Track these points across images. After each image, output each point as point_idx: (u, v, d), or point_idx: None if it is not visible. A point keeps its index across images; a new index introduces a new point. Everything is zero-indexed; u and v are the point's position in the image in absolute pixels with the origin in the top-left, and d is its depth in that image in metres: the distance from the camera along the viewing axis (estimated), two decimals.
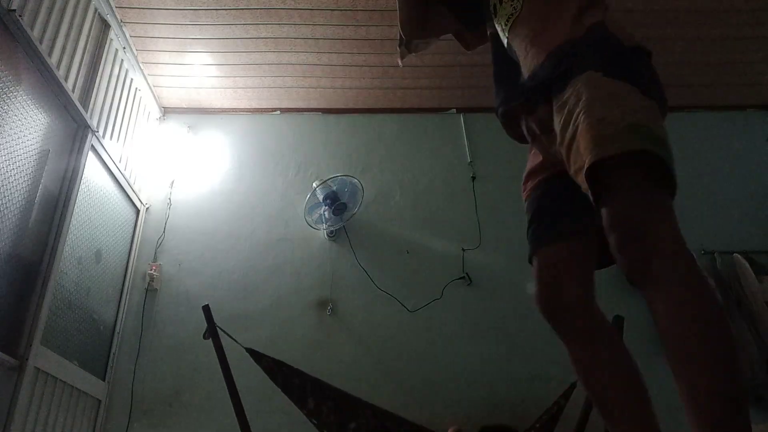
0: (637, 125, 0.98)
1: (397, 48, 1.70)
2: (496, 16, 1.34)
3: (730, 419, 0.83)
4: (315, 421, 1.89)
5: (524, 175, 1.38)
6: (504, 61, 1.34)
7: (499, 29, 1.34)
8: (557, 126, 1.09)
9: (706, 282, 0.91)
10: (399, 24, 1.63)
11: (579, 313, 1.16)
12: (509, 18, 1.27)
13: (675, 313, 0.90)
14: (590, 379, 1.13)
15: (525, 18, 1.23)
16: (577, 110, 1.03)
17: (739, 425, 0.82)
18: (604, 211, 0.99)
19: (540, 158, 1.32)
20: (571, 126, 1.04)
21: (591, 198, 1.00)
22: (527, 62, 1.21)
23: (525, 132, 1.30)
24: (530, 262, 1.27)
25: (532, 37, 1.21)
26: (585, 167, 0.98)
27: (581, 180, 1.01)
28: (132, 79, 3.34)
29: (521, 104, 1.25)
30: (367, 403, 1.98)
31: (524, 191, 1.39)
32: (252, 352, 2.03)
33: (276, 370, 1.95)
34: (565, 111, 1.07)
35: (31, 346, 2.22)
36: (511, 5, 1.27)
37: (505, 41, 1.32)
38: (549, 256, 1.21)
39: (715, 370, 0.87)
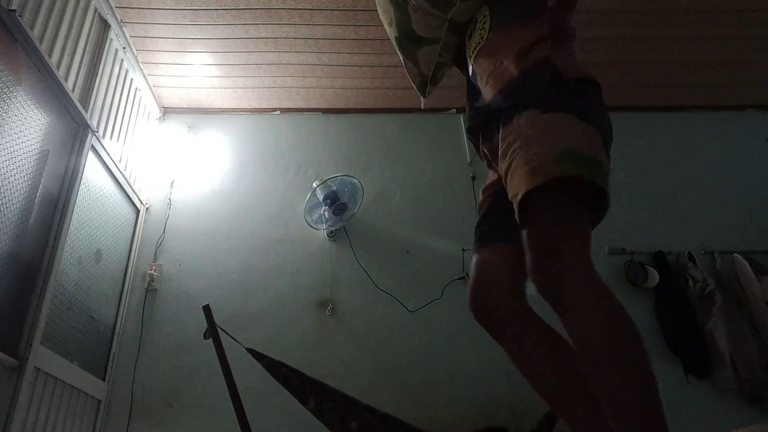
0: (563, 151, 1.06)
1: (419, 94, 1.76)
2: (469, 41, 1.43)
3: (648, 428, 0.87)
4: (318, 417, 1.89)
5: (482, 188, 1.48)
6: (472, 83, 1.44)
7: (467, 56, 1.43)
8: (500, 155, 1.18)
9: (615, 300, 0.99)
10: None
11: (503, 309, 1.21)
12: (475, 47, 1.37)
13: (589, 332, 0.96)
14: (525, 372, 1.19)
15: (486, 49, 1.33)
16: (515, 146, 1.13)
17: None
18: (524, 233, 1.09)
19: (496, 176, 1.40)
20: (508, 158, 1.14)
21: (518, 223, 1.10)
22: (485, 92, 1.32)
23: (481, 155, 1.41)
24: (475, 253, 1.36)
25: (490, 69, 1.30)
26: (517, 199, 1.07)
27: (515, 207, 1.10)
28: (132, 79, 3.34)
29: (480, 131, 1.35)
30: (366, 405, 1.98)
31: (481, 201, 1.47)
32: (253, 352, 2.03)
33: (276, 370, 1.95)
34: (506, 143, 1.16)
35: (31, 346, 2.21)
36: (479, 35, 1.36)
37: (470, 69, 1.41)
38: (484, 255, 1.29)
39: (631, 384, 0.91)
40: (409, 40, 1.53)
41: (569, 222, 1.07)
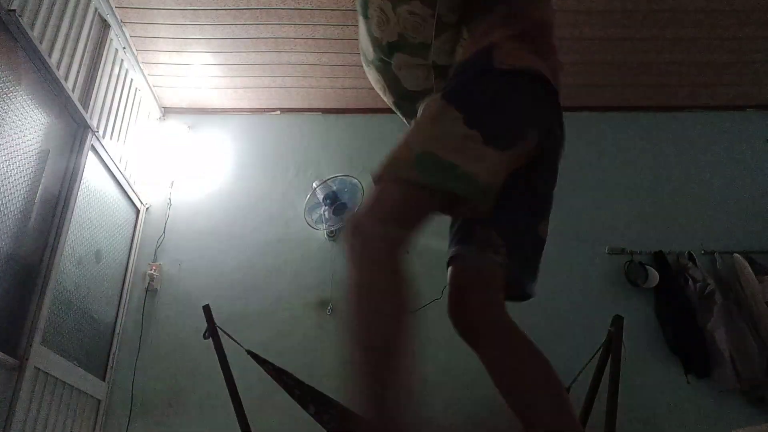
0: (425, 154, 1.03)
1: None
2: None
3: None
4: (316, 420, 1.88)
5: None
6: None
7: None
8: None
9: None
10: None
11: (482, 319, 1.20)
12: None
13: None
14: (496, 382, 1.17)
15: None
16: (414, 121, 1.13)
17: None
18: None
19: None
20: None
21: None
22: None
23: None
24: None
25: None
26: (372, 176, 1.06)
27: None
28: (132, 79, 3.34)
29: None
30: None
31: None
32: (253, 356, 2.02)
33: (277, 377, 1.94)
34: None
35: (31, 346, 2.22)
36: (461, 52, 1.33)
37: None
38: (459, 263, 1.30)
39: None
40: (405, 100, 1.50)
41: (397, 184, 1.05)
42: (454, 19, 1.29)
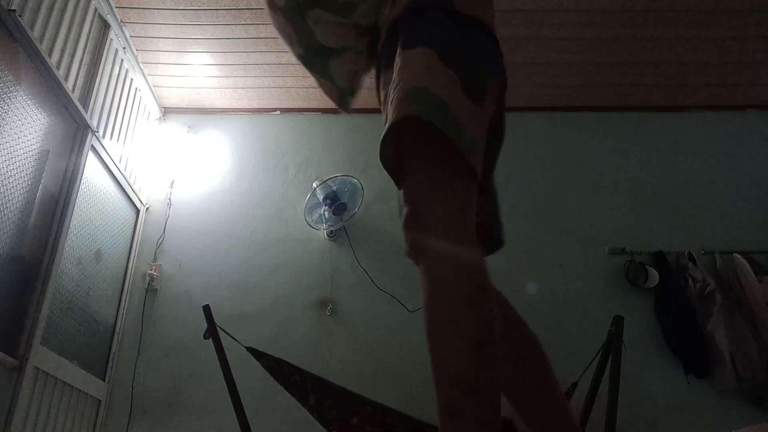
0: (418, 89, 0.95)
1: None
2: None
3: (467, 410, 0.77)
4: (317, 415, 1.88)
5: None
6: None
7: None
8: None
9: (471, 265, 0.88)
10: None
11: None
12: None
13: (431, 292, 0.87)
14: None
15: None
16: (392, 85, 1.02)
17: (477, 418, 0.78)
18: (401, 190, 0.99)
19: None
20: (389, 103, 1.01)
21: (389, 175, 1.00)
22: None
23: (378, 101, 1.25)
24: None
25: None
26: (382, 136, 0.96)
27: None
28: (132, 79, 3.34)
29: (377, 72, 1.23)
30: (367, 399, 1.98)
31: None
32: (252, 351, 2.03)
33: (277, 368, 1.95)
34: (390, 87, 1.04)
35: (31, 346, 2.22)
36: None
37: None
38: None
39: (458, 356, 0.81)
40: (317, 55, 1.39)
41: (438, 179, 0.95)
42: None
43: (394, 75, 1.03)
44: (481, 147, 1.02)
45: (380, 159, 0.98)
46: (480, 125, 1.02)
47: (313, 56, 1.40)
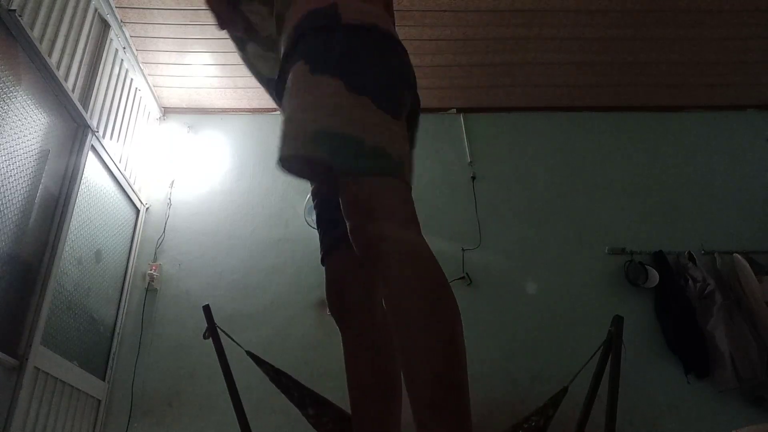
0: (321, 131, 0.94)
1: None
2: None
3: (446, 404, 0.78)
4: (314, 424, 1.88)
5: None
6: None
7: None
8: None
9: (431, 262, 0.90)
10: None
11: (359, 314, 1.24)
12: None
13: (397, 292, 0.87)
14: (349, 367, 1.22)
15: None
16: (293, 98, 1.01)
17: (456, 410, 0.79)
18: (341, 200, 0.99)
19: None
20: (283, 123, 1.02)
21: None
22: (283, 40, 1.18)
23: None
24: (323, 263, 1.34)
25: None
26: (277, 161, 1.00)
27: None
28: (132, 79, 3.34)
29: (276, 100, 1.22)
30: None
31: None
32: (253, 356, 2.02)
33: (276, 378, 1.94)
34: (290, 95, 1.04)
35: (31, 346, 2.21)
36: None
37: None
38: (332, 263, 1.29)
39: (433, 353, 0.81)
40: (268, 49, 1.44)
41: (381, 182, 0.96)
42: None
43: (296, 89, 1.01)
44: (408, 157, 1.03)
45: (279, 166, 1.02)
46: (403, 138, 1.02)
47: (266, 49, 1.45)
